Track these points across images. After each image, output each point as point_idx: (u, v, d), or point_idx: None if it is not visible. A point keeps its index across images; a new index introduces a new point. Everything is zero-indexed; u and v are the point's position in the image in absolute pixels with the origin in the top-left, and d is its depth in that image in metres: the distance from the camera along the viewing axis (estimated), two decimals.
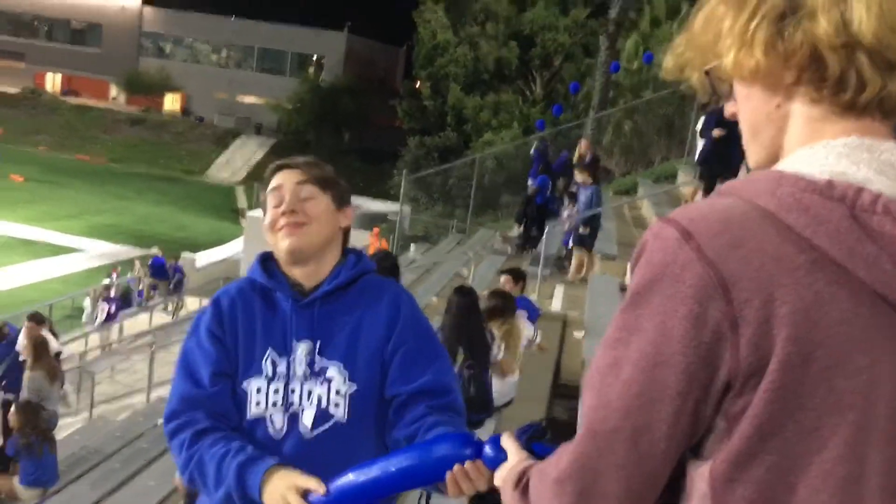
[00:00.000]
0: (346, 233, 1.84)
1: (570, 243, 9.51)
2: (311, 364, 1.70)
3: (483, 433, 4.91)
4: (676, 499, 0.91)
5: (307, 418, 1.69)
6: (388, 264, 4.45)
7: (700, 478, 0.87)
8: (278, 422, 1.70)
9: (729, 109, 0.99)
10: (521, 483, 1.05)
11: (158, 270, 18.86)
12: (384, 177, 30.19)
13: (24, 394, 7.42)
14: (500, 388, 5.12)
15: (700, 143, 11.18)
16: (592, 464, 0.89)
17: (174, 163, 41.22)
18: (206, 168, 41.72)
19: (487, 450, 1.42)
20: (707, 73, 0.97)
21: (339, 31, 47.65)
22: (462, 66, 31.15)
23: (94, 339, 15.22)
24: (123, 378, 12.60)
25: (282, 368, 1.71)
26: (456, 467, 1.42)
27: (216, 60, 50.90)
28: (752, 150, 0.98)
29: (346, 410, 1.68)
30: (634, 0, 21.79)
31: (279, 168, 1.80)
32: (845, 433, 0.82)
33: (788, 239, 0.83)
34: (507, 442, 1.26)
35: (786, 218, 0.84)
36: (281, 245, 1.73)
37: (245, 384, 1.71)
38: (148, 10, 49.47)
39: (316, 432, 1.68)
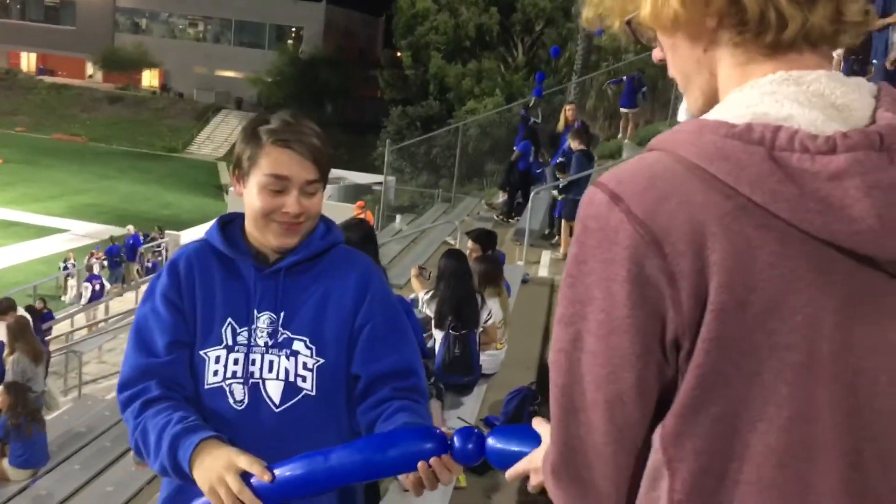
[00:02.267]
0: None
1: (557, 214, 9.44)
2: (273, 335, 1.63)
3: (472, 399, 4.92)
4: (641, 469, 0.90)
5: (273, 391, 1.62)
6: (357, 236, 3.73)
7: (654, 439, 0.87)
8: (238, 393, 1.62)
9: (656, 55, 0.98)
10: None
11: (130, 251, 18.66)
12: (368, 148, 30.04)
13: (9, 376, 7.37)
14: (488, 358, 5.11)
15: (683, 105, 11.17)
16: (579, 444, 0.89)
17: (155, 140, 40.83)
18: (187, 144, 41.38)
19: (456, 442, 1.39)
20: (629, 22, 0.95)
21: (317, 2, 47.12)
22: (443, 33, 30.87)
23: (80, 318, 15.14)
24: (111, 357, 12.55)
25: (242, 338, 1.63)
26: (421, 465, 1.38)
27: (193, 35, 50.29)
28: (690, 98, 0.96)
29: (315, 383, 1.62)
30: None
31: (285, 143, 1.60)
32: (788, 375, 0.81)
33: (713, 187, 0.82)
34: (540, 425, 1.24)
35: (708, 167, 0.83)
36: (272, 239, 1.64)
37: (203, 352, 1.64)
38: None
39: (285, 406, 1.62)
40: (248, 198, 1.64)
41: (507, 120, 18.94)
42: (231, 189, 23.00)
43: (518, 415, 4.52)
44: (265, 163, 1.61)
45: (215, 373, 1.63)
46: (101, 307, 15.79)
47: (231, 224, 1.73)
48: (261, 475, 1.43)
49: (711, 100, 0.92)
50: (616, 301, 0.83)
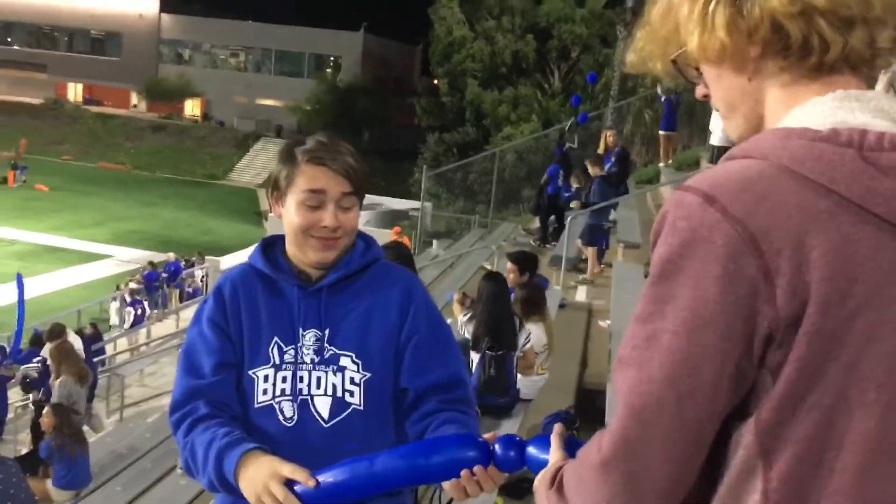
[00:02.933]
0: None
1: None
2: (319, 352, 1.66)
3: (510, 423, 4.90)
4: (718, 465, 0.90)
5: (321, 407, 1.65)
6: (392, 257, 4.07)
7: (745, 432, 0.88)
8: (288, 410, 1.66)
9: (700, 91, 1.02)
10: (556, 481, 1.04)
11: (171, 277, 18.88)
12: (405, 175, 30.25)
13: (55, 398, 7.52)
14: (527, 382, 5.09)
15: (718, 126, 11.13)
16: (637, 441, 0.88)
17: (197, 167, 41.55)
18: (228, 171, 42.02)
19: (497, 449, 1.39)
20: (674, 61, 1.00)
21: (355, 32, 47.77)
22: (479, 61, 31.10)
23: (123, 342, 15.38)
24: (152, 381, 12.72)
25: (289, 356, 1.67)
26: (464, 472, 1.39)
27: (235, 65, 51.28)
28: (733, 125, 1.00)
29: (363, 398, 1.65)
30: None
31: (320, 160, 1.65)
32: (884, 363, 0.84)
33: (807, 188, 0.85)
34: (555, 440, 1.23)
35: (800, 169, 0.86)
36: (311, 255, 1.68)
37: (252, 372, 1.68)
38: (166, 17, 49.92)
39: (334, 420, 1.65)
40: (287, 216, 1.68)
41: (544, 146, 18.97)
42: (270, 215, 23.14)
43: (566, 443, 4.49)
44: (301, 180, 1.65)
45: (265, 391, 1.66)
46: (143, 331, 16.02)
47: (273, 246, 1.77)
48: (305, 481, 1.46)
49: (756, 126, 0.97)
50: (707, 298, 0.84)
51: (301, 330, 1.67)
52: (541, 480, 1.13)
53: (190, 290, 20.02)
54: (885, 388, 0.84)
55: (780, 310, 0.83)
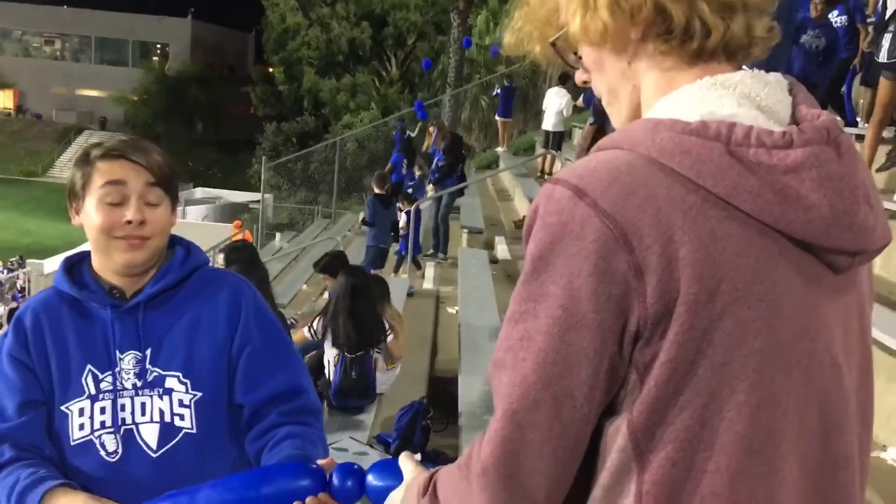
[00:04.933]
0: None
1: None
2: (141, 374, 1.51)
3: (364, 417, 4.84)
4: (593, 466, 0.89)
5: (148, 435, 1.50)
6: (245, 255, 4.03)
7: (616, 432, 0.86)
8: (110, 444, 1.49)
9: (579, 77, 1.00)
10: (430, 488, 1.01)
11: None
12: (243, 166, 29.40)
13: None
14: (383, 377, 4.99)
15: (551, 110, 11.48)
16: (516, 445, 0.86)
17: (11, 164, 38.50)
18: (48, 168, 39.25)
19: (334, 479, 1.31)
20: (553, 44, 0.98)
21: (182, 18, 45.77)
22: (315, 48, 30.66)
23: None
24: None
25: (106, 384, 1.50)
26: None
27: (51, 53, 47.86)
28: (615, 111, 0.99)
29: (194, 419, 1.51)
30: None
31: (118, 155, 1.50)
32: (753, 361, 0.83)
33: (676, 182, 0.84)
34: (405, 461, 1.20)
35: (669, 162, 0.84)
36: (117, 258, 1.50)
37: (64, 407, 1.50)
38: None
39: (164, 449, 1.50)
40: (87, 221, 1.51)
41: (384, 133, 18.97)
42: None
43: (411, 430, 4.47)
44: (98, 176, 1.49)
45: (81, 426, 1.50)
46: None
47: (78, 264, 1.59)
48: None
49: (635, 112, 0.96)
50: (579, 296, 0.82)
51: (118, 353, 1.51)
52: (408, 490, 1.10)
53: (10, 296, 18.55)
54: (755, 387, 0.83)
55: (649, 308, 0.82)
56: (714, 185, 0.83)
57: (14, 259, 20.44)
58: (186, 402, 1.51)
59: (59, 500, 1.39)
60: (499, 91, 14.90)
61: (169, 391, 1.51)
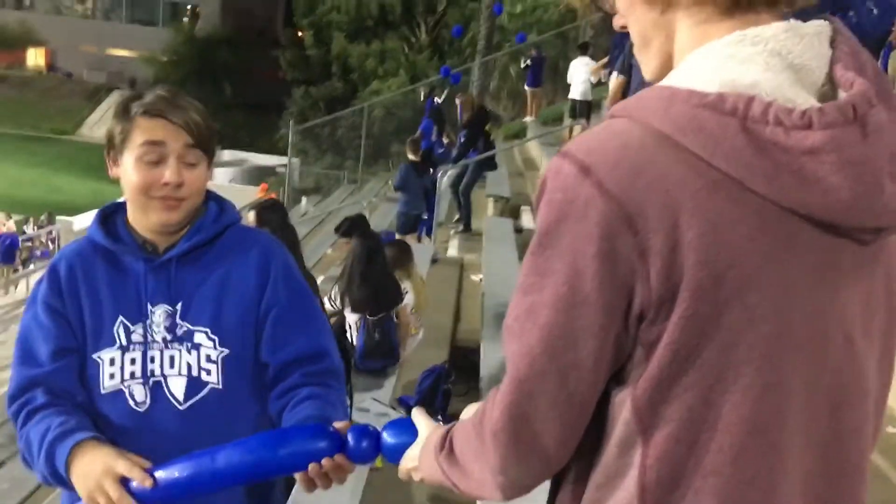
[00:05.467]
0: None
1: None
2: (171, 328, 1.53)
3: (386, 380, 4.90)
4: (600, 425, 0.91)
5: (176, 388, 1.53)
6: (278, 215, 4.08)
7: (621, 404, 0.88)
8: (139, 394, 1.53)
9: (616, 22, 0.97)
10: (446, 444, 1.04)
11: (6, 254, 17.26)
12: (270, 130, 29.39)
13: None
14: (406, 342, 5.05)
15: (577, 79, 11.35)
16: (524, 409, 0.89)
17: (43, 122, 38.80)
18: (78, 126, 39.50)
19: (350, 440, 1.34)
20: None
21: None
22: (345, 13, 30.46)
23: None
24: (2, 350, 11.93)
25: (137, 336, 1.53)
26: (312, 466, 1.33)
27: (82, 12, 47.94)
28: (645, 60, 0.96)
29: (221, 375, 1.53)
30: None
31: (158, 114, 1.51)
32: (761, 346, 0.82)
33: (687, 161, 0.81)
34: (418, 417, 1.22)
35: (682, 139, 0.82)
36: (154, 217, 1.53)
37: (96, 356, 1.54)
38: None
39: (190, 402, 1.53)
40: (125, 177, 1.53)
41: (412, 101, 18.88)
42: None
43: (432, 393, 4.53)
44: (138, 134, 1.50)
45: (111, 376, 1.53)
46: None
47: (112, 216, 1.61)
48: (142, 481, 1.36)
49: (667, 64, 0.92)
50: (583, 276, 0.82)
51: (149, 306, 1.54)
52: (424, 446, 1.13)
53: (39, 252, 18.81)
54: (761, 371, 0.83)
55: (653, 290, 0.81)
56: (728, 165, 0.80)
57: (43, 217, 20.67)
58: (214, 358, 1.54)
59: (88, 453, 1.42)
60: (528, 61, 14.76)
61: (197, 346, 1.54)
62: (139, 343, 1.54)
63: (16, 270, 17.45)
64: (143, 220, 1.56)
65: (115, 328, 1.54)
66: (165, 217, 1.53)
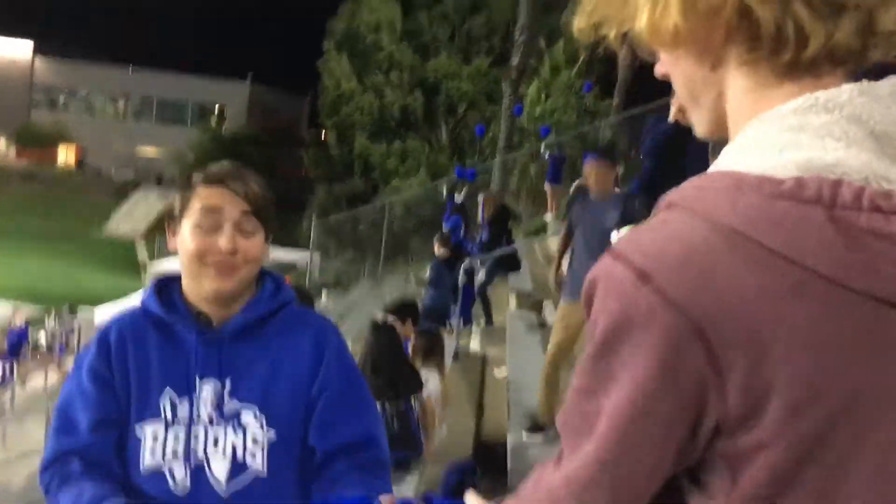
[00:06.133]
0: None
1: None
2: (218, 407, 1.49)
3: (409, 476, 4.73)
4: None
5: (218, 470, 1.47)
6: (307, 303, 4.17)
7: None
8: (179, 474, 1.46)
9: (659, 71, 0.86)
10: None
11: (13, 346, 17.07)
12: (292, 226, 29.81)
13: None
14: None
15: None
16: None
17: (70, 218, 39.58)
18: (104, 222, 40.27)
19: None
20: (625, 36, 0.83)
21: (241, 81, 47.25)
22: (368, 114, 31.30)
23: None
24: (14, 443, 11.78)
25: (183, 412, 1.48)
26: None
27: (113, 112, 49.61)
28: (697, 117, 0.85)
29: (266, 461, 1.47)
30: (535, 49, 22.44)
31: (217, 183, 1.51)
32: (874, 456, 0.71)
33: (763, 261, 0.69)
34: (472, 499, 1.15)
35: (756, 236, 0.70)
36: (207, 284, 1.50)
37: (139, 429, 1.48)
38: (40, 61, 47.91)
39: (232, 488, 1.46)
40: (181, 244, 1.52)
41: (432, 198, 19.15)
42: (148, 266, 22.43)
43: (459, 490, 4.36)
44: (196, 201, 1.50)
45: (153, 452, 1.47)
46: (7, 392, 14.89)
47: (168, 287, 1.58)
48: None
49: (720, 122, 0.82)
50: (646, 390, 0.72)
51: (198, 380, 1.49)
52: None
53: (59, 345, 18.82)
54: (874, 479, 0.72)
55: (731, 408, 0.71)
56: (816, 262, 0.68)
57: (64, 308, 20.79)
58: (259, 441, 1.47)
59: None
60: (547, 153, 14.96)
61: (244, 427, 1.48)
62: (184, 419, 1.49)
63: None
64: (196, 288, 1.53)
65: (161, 400, 1.50)
66: (218, 284, 1.50)
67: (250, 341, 1.53)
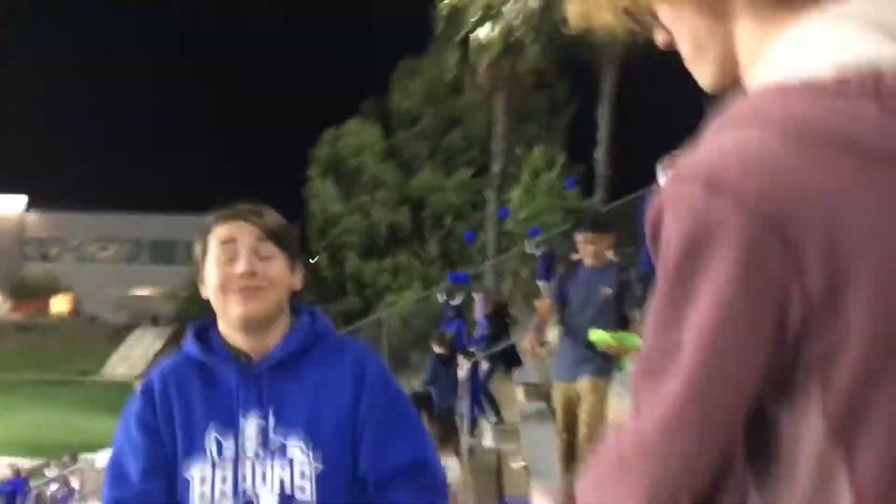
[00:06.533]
0: (294, 294, 1.63)
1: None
2: (264, 443, 1.49)
3: None
4: (766, 460, 0.80)
5: None
6: None
7: (800, 437, 0.76)
8: None
9: (661, 39, 0.89)
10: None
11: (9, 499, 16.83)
12: None
13: None
14: None
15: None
16: (659, 451, 0.79)
17: (66, 365, 39.26)
18: (100, 366, 39.94)
19: None
20: (626, 9, 0.88)
21: None
22: (356, 233, 31.75)
23: None
24: None
25: (229, 449, 1.50)
26: None
27: (105, 258, 50.06)
28: (703, 71, 0.87)
29: (315, 494, 1.47)
30: (513, 155, 23.11)
31: (231, 217, 1.56)
32: None
33: (825, 155, 0.70)
34: (539, 497, 1.16)
35: (811, 132, 0.71)
36: (234, 311, 1.51)
37: (187, 472, 1.49)
38: (32, 214, 48.69)
39: None
40: (206, 283, 1.56)
41: (426, 310, 19.22)
42: None
43: None
44: (213, 240, 1.55)
45: (202, 495, 1.49)
46: None
47: (207, 330, 1.61)
48: None
49: (730, 69, 0.84)
50: (728, 302, 0.72)
51: (241, 416, 1.51)
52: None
53: (60, 496, 18.35)
54: None
55: (815, 300, 0.71)
56: (874, 148, 0.70)
57: (66, 457, 20.38)
58: (307, 474, 1.49)
59: None
60: (538, 254, 15.17)
61: (290, 460, 1.49)
62: (230, 458, 1.50)
63: None
64: (227, 321, 1.55)
65: (206, 440, 1.52)
66: (244, 309, 1.51)
67: (291, 373, 1.54)
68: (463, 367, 9.15)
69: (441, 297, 15.12)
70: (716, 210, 0.71)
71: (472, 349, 10.59)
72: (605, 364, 4.76)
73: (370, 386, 1.55)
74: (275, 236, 1.56)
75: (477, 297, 11.46)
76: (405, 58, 32.68)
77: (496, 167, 21.46)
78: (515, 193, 23.56)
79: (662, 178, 5.64)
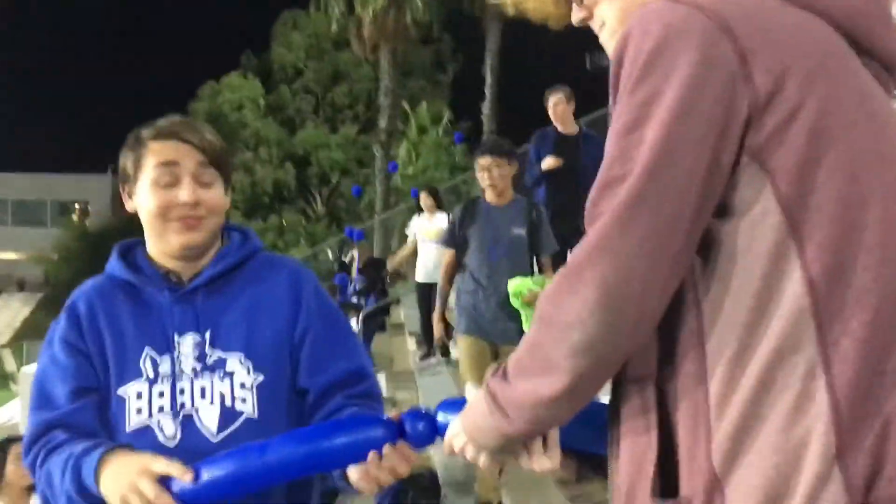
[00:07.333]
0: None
1: None
2: (201, 358, 1.47)
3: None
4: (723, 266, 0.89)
5: (208, 419, 1.44)
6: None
7: (760, 218, 0.86)
8: (168, 428, 1.44)
9: (576, 17, 1.07)
10: (499, 372, 1.01)
11: None
12: None
13: None
14: None
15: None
16: (615, 240, 0.86)
17: None
18: None
19: (407, 426, 1.26)
20: None
21: (102, 174, 45.79)
22: (240, 192, 30.94)
23: None
24: None
25: (165, 368, 1.46)
26: (372, 454, 1.24)
27: None
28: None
29: (256, 404, 1.45)
30: (400, 111, 22.97)
31: (170, 136, 1.48)
32: (860, 116, 0.90)
33: None
34: (471, 391, 1.15)
35: None
36: (173, 240, 1.47)
37: (122, 391, 1.45)
38: None
39: (223, 434, 1.43)
40: (141, 204, 1.50)
41: (315, 268, 19.05)
42: (23, 371, 20.95)
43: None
44: (150, 157, 1.48)
45: (139, 410, 1.44)
46: None
47: (132, 250, 1.56)
48: (181, 476, 1.27)
49: None
50: (688, 84, 0.86)
51: (176, 336, 1.47)
52: (469, 404, 1.08)
53: None
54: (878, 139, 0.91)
55: (760, 88, 0.86)
56: None
57: None
58: (248, 385, 1.46)
59: (120, 458, 1.32)
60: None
61: (230, 374, 1.46)
62: (167, 376, 1.46)
63: None
64: (163, 247, 1.51)
65: (141, 361, 1.47)
66: (185, 238, 1.48)
67: (224, 292, 1.52)
68: (351, 321, 9.11)
69: (331, 254, 15.00)
70: (680, 11, 0.89)
71: (353, 301, 10.63)
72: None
73: (306, 303, 1.54)
74: (216, 160, 1.51)
75: (354, 252, 11.54)
76: (286, 10, 31.81)
77: (382, 123, 21.24)
78: (402, 149, 23.49)
79: (551, 109, 5.55)
